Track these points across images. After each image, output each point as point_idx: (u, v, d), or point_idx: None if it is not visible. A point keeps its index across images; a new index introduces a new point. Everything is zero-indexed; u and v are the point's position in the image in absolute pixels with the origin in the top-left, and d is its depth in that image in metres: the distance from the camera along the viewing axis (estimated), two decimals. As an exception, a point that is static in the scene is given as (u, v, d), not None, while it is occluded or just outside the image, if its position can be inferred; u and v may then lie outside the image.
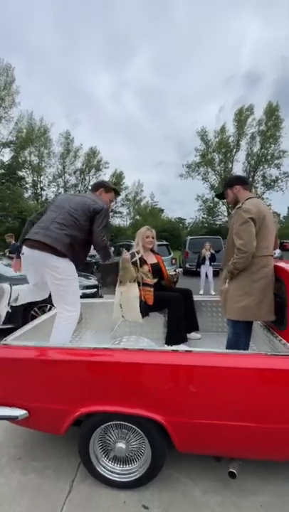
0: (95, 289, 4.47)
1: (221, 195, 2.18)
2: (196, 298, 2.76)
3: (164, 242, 8.40)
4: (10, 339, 1.79)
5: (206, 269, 7.46)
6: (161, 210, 43.84)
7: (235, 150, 31.33)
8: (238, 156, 31.67)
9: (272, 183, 30.58)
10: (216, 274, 7.73)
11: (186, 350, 1.48)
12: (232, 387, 1.36)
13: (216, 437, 1.42)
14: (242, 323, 1.77)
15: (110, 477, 1.56)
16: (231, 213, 2.02)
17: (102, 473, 1.57)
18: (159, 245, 7.53)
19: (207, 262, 7.49)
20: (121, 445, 1.52)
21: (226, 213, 33.34)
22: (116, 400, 1.44)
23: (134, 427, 1.48)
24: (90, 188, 2.26)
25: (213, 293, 7.21)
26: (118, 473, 1.57)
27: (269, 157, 30.02)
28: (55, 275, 1.88)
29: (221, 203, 33.44)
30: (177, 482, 1.60)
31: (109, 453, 1.59)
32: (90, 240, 2.01)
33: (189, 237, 12.56)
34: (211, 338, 2.66)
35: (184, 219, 41.86)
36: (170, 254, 7.77)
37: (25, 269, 2.09)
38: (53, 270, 1.87)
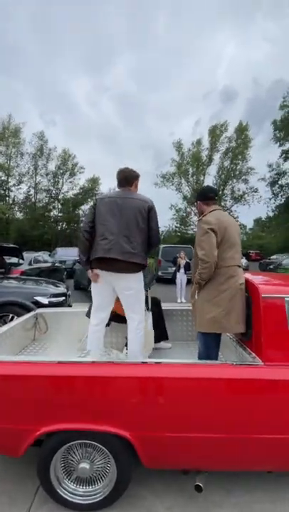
0: (63, 298, 4.29)
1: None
2: (165, 306, 2.78)
3: None
4: None
5: (181, 277, 7.71)
6: (136, 218, 43.95)
7: (207, 164, 32.80)
8: (209, 169, 33.21)
9: (239, 197, 32.45)
10: (189, 282, 7.95)
11: (155, 362, 1.46)
12: (200, 398, 1.37)
13: (185, 450, 1.41)
14: (212, 335, 1.80)
15: (73, 500, 1.46)
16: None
17: (64, 496, 1.46)
18: None
19: (182, 270, 7.75)
20: (84, 465, 1.43)
21: (197, 223, 34.57)
22: (80, 416, 1.37)
23: (98, 445, 1.41)
24: (118, 182, 2.02)
25: (184, 301, 7.35)
26: (81, 495, 1.47)
27: (238, 173, 31.91)
28: (131, 286, 1.89)
29: (193, 213, 34.68)
30: (142, 499, 1.55)
31: (72, 474, 1.50)
32: (146, 240, 1.95)
33: (162, 246, 12.78)
34: (182, 348, 2.67)
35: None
36: None
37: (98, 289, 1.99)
38: (130, 282, 1.87)
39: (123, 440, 1.38)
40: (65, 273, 9.46)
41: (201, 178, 33.42)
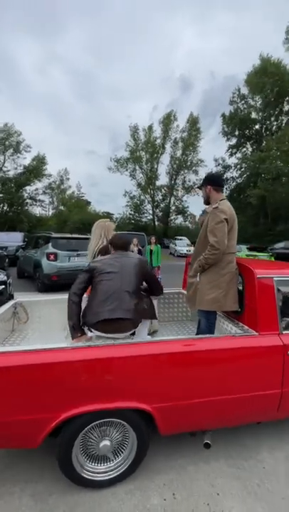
0: (3, 286, 3.95)
1: (198, 188, 2.29)
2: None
3: (88, 236, 8.04)
4: None
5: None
6: (88, 203, 42.54)
7: (160, 152, 33.23)
8: (162, 158, 33.75)
9: (190, 188, 34.01)
10: None
11: (170, 339, 1.58)
12: (210, 367, 1.54)
13: (196, 414, 1.58)
14: (212, 313, 1.99)
15: (95, 478, 1.51)
16: (205, 210, 2.17)
17: (89, 478, 1.51)
18: (82, 239, 7.14)
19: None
20: (106, 443, 1.49)
21: (150, 211, 35.16)
22: (103, 397, 1.41)
23: (119, 421, 1.48)
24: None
25: None
26: (104, 472, 1.54)
27: (189, 163, 33.23)
28: None
29: (146, 201, 35.15)
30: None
31: (92, 454, 1.54)
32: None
33: (114, 233, 12.56)
34: (169, 327, 2.87)
35: (112, 214, 41.92)
36: None
37: None
38: None
39: (144, 413, 1.47)
40: (7, 260, 8.70)
41: (155, 166, 33.84)
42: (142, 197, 34.90)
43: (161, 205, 35.84)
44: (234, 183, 29.21)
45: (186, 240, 23.64)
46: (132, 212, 35.29)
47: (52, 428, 1.37)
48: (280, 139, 21.88)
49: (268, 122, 26.77)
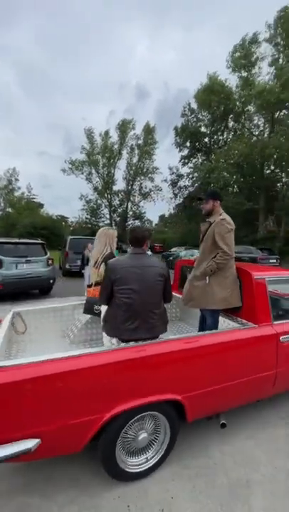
0: None
1: (197, 198, 2.54)
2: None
3: (39, 241, 7.52)
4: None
5: (89, 270, 7.24)
6: (41, 205, 40.29)
7: (117, 157, 33.54)
8: (119, 163, 34.11)
9: (146, 194, 35.07)
10: None
11: (194, 335, 1.80)
12: (226, 355, 1.82)
13: (217, 399, 1.82)
14: (218, 311, 2.25)
15: (136, 470, 1.65)
16: (208, 220, 2.40)
17: (132, 471, 1.63)
18: (33, 244, 6.92)
19: (90, 263, 7.25)
20: (143, 435, 1.64)
21: (108, 216, 35.05)
22: (142, 393, 1.55)
23: (155, 413, 1.64)
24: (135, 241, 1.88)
25: None
26: (143, 463, 1.68)
27: (145, 170, 34.25)
28: None
29: (103, 205, 34.98)
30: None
31: (130, 449, 1.66)
32: None
33: (70, 237, 11.64)
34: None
35: (67, 217, 40.43)
36: (46, 254, 7.08)
37: None
38: None
39: (175, 403, 1.66)
40: None
41: (112, 171, 33.98)
42: (98, 201, 34.64)
43: (119, 210, 36.08)
44: (187, 191, 31.01)
45: None
46: (89, 217, 34.72)
47: (98, 429, 1.45)
48: (226, 153, 24.09)
49: (215, 136, 29.18)
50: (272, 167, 23.70)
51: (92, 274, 2.56)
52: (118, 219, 36.27)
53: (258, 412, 2.36)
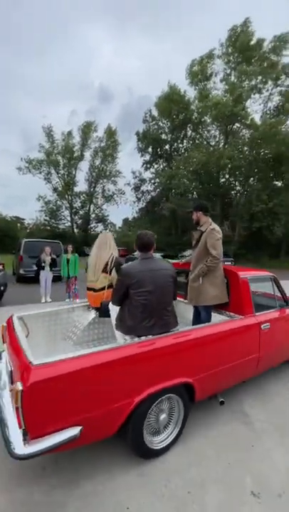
0: None
1: (187, 212, 2.86)
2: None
3: None
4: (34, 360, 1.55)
5: (46, 275, 6.98)
6: (-8, 206, 37.23)
7: (79, 159, 32.84)
8: (81, 165, 33.41)
9: (109, 197, 34.94)
10: (56, 279, 7.63)
11: (200, 327, 2.12)
12: (225, 341, 2.19)
13: (219, 379, 2.16)
14: (210, 306, 2.60)
15: (159, 447, 1.88)
16: (199, 229, 2.75)
17: (156, 448, 1.87)
18: None
19: (47, 268, 7.03)
20: (164, 415, 1.89)
21: (69, 218, 34.01)
22: (165, 378, 1.80)
23: (172, 395, 1.90)
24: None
25: (49, 300, 6.86)
26: (164, 440, 1.93)
27: (108, 173, 34.13)
28: None
29: (64, 207, 33.84)
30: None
31: (153, 429, 1.88)
32: None
33: (25, 240, 10.92)
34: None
35: (23, 219, 38.05)
36: None
37: None
38: None
39: (187, 385, 1.94)
40: None
41: (73, 172, 33.13)
42: (58, 202, 33.38)
43: (80, 212, 35.28)
44: (149, 196, 31.83)
45: None
46: (48, 218, 33.23)
47: (129, 413, 1.66)
48: (186, 160, 25.39)
49: (175, 144, 30.51)
50: (227, 176, 25.70)
51: (103, 278, 2.64)
52: (80, 221, 35.46)
53: (211, 409, 2.45)
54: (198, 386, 1.99)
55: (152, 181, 31.04)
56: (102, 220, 36.04)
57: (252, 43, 23.05)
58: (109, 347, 1.69)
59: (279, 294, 2.98)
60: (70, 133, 31.64)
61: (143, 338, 1.88)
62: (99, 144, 33.21)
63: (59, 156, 31.65)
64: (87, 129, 32.07)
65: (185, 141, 30.20)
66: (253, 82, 22.92)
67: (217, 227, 2.66)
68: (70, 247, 7.07)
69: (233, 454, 1.94)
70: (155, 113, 29.43)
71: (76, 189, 34.01)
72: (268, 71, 21.96)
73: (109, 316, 2.58)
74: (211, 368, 2.08)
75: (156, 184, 30.51)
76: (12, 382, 1.71)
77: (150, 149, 30.52)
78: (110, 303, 2.25)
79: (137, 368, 1.70)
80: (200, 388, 2.01)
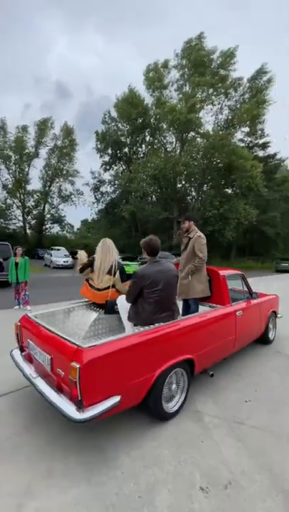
0: None
1: (178, 222, 3.43)
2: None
3: None
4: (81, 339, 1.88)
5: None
6: None
7: (33, 155, 31.18)
8: (34, 162, 31.74)
9: (66, 197, 33.76)
10: (4, 284, 7.50)
11: (198, 314, 2.64)
12: (216, 324, 2.77)
13: (211, 355, 2.70)
14: (198, 299, 3.15)
15: (172, 410, 2.33)
16: (187, 235, 3.36)
17: (171, 411, 2.31)
18: None
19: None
20: (174, 385, 2.36)
21: (20, 218, 32.01)
22: (176, 355, 2.27)
23: (179, 368, 2.36)
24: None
25: None
26: (175, 404, 2.38)
27: (65, 172, 33.02)
28: None
29: (15, 206, 31.74)
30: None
31: (165, 397, 2.30)
32: None
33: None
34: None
35: None
36: None
37: None
38: None
39: (189, 361, 2.43)
40: None
41: (26, 169, 31.29)
42: (8, 201, 31.16)
43: (34, 212, 33.42)
44: (109, 198, 31.79)
45: (63, 251, 22.19)
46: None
47: (152, 383, 2.07)
48: (144, 164, 25.95)
49: (134, 147, 31.00)
50: (184, 182, 27.22)
51: (108, 279, 3.01)
52: (33, 222, 33.61)
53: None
54: (197, 361, 2.50)
55: (112, 183, 31.07)
56: (58, 220, 34.63)
57: (204, 59, 24.20)
58: (136, 332, 2.09)
59: (246, 288, 3.69)
60: (24, 128, 29.91)
61: (156, 325, 2.31)
62: (55, 141, 32.02)
63: (10, 151, 29.62)
64: (43, 125, 30.65)
65: (144, 145, 30.85)
66: (205, 94, 24.39)
67: (202, 235, 3.24)
68: (19, 250, 6.58)
69: (183, 452, 1.97)
70: (114, 114, 29.51)
71: (29, 187, 32.20)
72: (218, 84, 23.58)
73: (113, 312, 2.94)
74: (205, 347, 2.62)
75: (116, 186, 30.62)
76: (52, 367, 1.97)
77: (110, 151, 30.47)
78: (125, 300, 2.61)
79: (157, 347, 2.14)
80: (198, 363, 2.52)
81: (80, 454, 1.91)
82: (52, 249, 23.08)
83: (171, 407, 2.35)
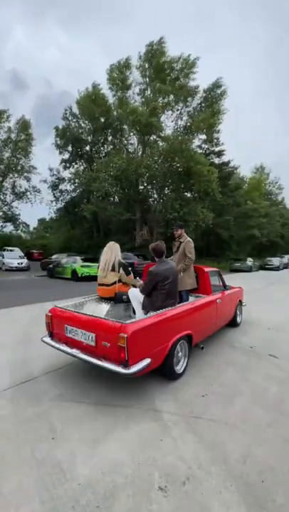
0: None
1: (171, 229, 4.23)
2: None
3: None
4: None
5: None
6: None
7: (-17, 147, 28.65)
8: (-15, 154, 29.18)
9: (21, 194, 31.56)
10: None
11: (195, 300, 3.41)
12: (207, 308, 3.61)
13: (203, 331, 3.51)
14: (189, 290, 3.91)
15: (180, 370, 3.04)
16: (178, 240, 4.20)
17: (181, 371, 3.02)
18: None
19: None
20: (181, 353, 3.08)
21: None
22: (182, 330, 3.01)
23: (183, 341, 3.09)
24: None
25: None
26: (181, 366, 3.09)
27: (20, 168, 30.93)
28: None
29: None
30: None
31: (175, 361, 3.00)
32: None
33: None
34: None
35: None
36: None
37: None
38: None
39: (189, 335, 3.18)
40: None
41: (-26, 162, 28.57)
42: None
43: (-17, 209, 30.72)
44: (69, 196, 30.84)
45: (18, 252, 21.06)
46: None
47: (168, 350, 2.77)
48: (106, 164, 25.71)
49: (96, 146, 30.50)
50: (146, 184, 27.80)
51: (113, 276, 3.63)
52: (-17, 219, 30.89)
53: (123, 411, 2.41)
54: (194, 336, 3.29)
55: (72, 181, 30.18)
56: (11, 219, 32.12)
57: (165, 65, 24.89)
58: (158, 313, 2.79)
59: (221, 283, 4.61)
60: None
61: (168, 308, 3.01)
62: (9, 134, 29.89)
63: None
64: (-2, 118, 28.37)
65: (106, 144, 30.58)
66: (166, 100, 25.16)
67: (191, 240, 4.10)
68: None
69: (143, 452, 1.92)
70: (76, 111, 28.75)
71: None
72: (178, 91, 24.45)
73: (122, 302, 3.56)
74: (199, 326, 3.43)
75: (76, 184, 29.80)
76: (97, 342, 2.53)
77: (70, 148, 29.62)
78: (136, 292, 3.28)
79: (169, 324, 2.87)
80: (195, 337, 3.32)
81: (33, 470, 1.75)
82: (4, 250, 21.61)
83: (178, 369, 3.08)
